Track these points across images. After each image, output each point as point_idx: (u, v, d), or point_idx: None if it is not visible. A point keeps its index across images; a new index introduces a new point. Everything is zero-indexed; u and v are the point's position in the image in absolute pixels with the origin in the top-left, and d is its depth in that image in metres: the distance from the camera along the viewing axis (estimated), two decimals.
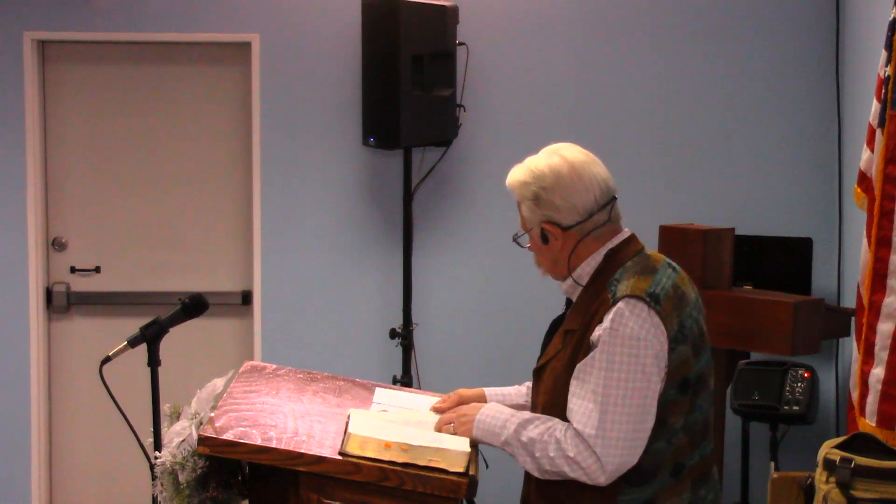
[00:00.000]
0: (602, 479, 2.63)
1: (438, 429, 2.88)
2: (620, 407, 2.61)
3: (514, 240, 2.88)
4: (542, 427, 2.70)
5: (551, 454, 2.65)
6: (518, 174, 2.81)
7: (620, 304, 2.65)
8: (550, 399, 2.75)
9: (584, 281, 2.77)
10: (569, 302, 2.87)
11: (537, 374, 2.85)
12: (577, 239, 2.76)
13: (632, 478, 2.67)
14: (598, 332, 2.66)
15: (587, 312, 2.72)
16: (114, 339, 3.18)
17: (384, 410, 3.08)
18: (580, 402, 2.65)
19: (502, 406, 2.85)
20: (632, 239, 2.81)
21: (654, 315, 2.64)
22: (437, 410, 3.05)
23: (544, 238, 2.78)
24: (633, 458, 2.63)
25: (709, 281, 4.44)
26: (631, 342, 2.62)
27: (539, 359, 2.87)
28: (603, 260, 2.76)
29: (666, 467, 2.69)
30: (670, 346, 2.65)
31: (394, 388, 3.39)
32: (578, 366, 2.67)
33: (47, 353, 5.46)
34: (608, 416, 2.61)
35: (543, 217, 2.76)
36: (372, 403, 3.14)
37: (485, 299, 5.35)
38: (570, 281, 2.81)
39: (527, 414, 2.78)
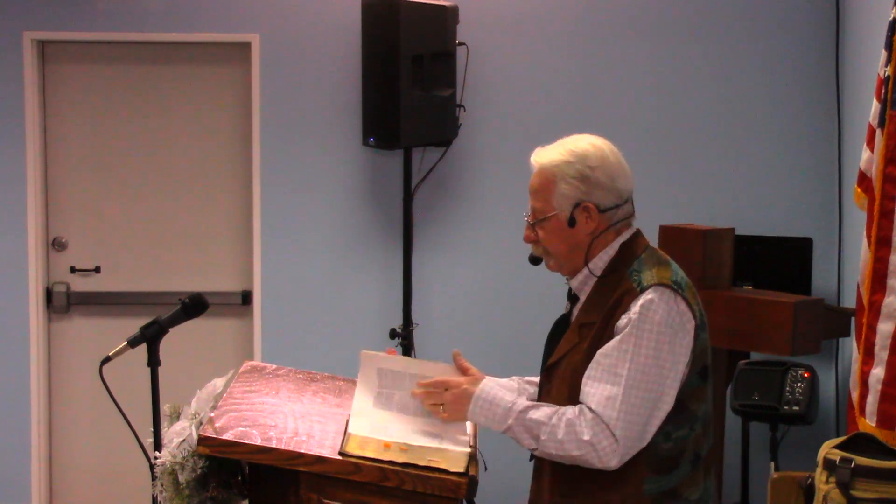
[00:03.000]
0: (615, 463, 2.63)
1: (428, 405, 2.78)
2: (643, 391, 2.62)
3: (531, 223, 2.81)
4: (548, 410, 2.68)
5: (560, 436, 2.63)
6: (555, 155, 2.77)
7: (649, 292, 2.66)
8: (569, 393, 2.71)
9: (599, 272, 2.76)
10: (573, 299, 2.85)
11: (549, 371, 2.82)
12: (606, 225, 2.75)
13: (656, 466, 2.67)
14: (625, 319, 2.65)
15: (606, 304, 2.71)
16: (114, 339, 3.18)
17: (392, 350, 3.01)
18: (599, 385, 2.64)
19: (501, 388, 2.79)
20: (640, 234, 2.83)
21: (682, 302, 2.67)
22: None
23: (571, 221, 2.75)
24: (643, 443, 2.64)
25: (709, 281, 4.44)
26: (660, 328, 2.63)
27: (548, 356, 2.84)
28: (618, 251, 2.77)
29: (688, 456, 2.71)
30: (696, 333, 2.68)
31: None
32: (600, 350, 2.66)
33: (47, 353, 5.46)
34: (630, 399, 2.61)
35: (585, 196, 2.73)
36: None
37: (485, 299, 5.35)
38: (584, 273, 2.78)
39: (524, 402, 2.75)
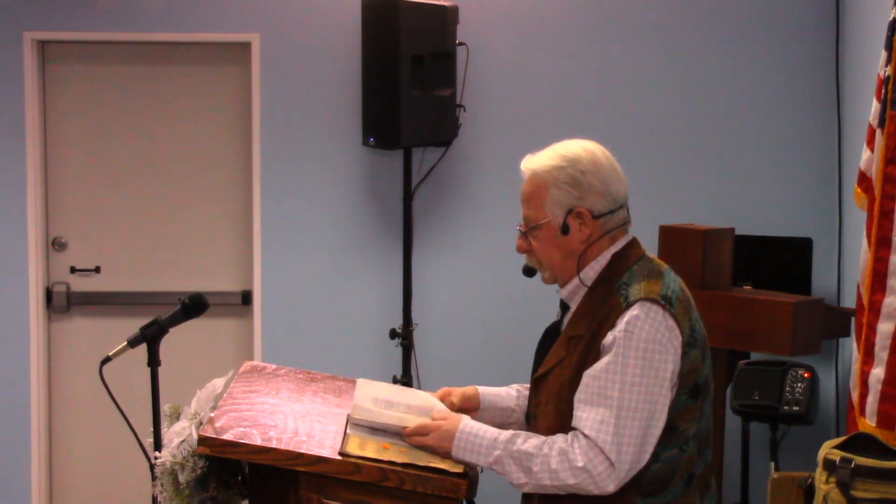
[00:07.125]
0: (612, 487, 2.56)
1: (417, 436, 2.72)
2: (634, 412, 2.55)
3: (523, 231, 2.75)
4: (536, 440, 2.62)
5: (553, 466, 2.57)
6: (545, 160, 2.70)
7: (635, 308, 2.59)
8: (556, 409, 2.66)
9: (590, 282, 2.69)
10: (564, 307, 2.80)
11: (536, 384, 2.76)
12: (601, 231, 2.68)
13: (646, 488, 2.62)
14: (611, 336, 2.59)
15: (594, 317, 2.65)
16: (114, 339, 3.17)
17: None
18: (591, 408, 2.58)
19: (482, 424, 2.72)
20: (634, 243, 2.75)
21: (670, 318, 2.59)
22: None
23: (565, 228, 2.68)
24: (641, 464, 2.58)
25: (709, 281, 4.44)
26: (647, 345, 2.56)
27: (536, 368, 2.78)
28: (609, 261, 2.70)
29: (680, 476, 2.65)
30: (683, 351, 2.60)
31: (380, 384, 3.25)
32: (588, 372, 2.60)
33: (47, 353, 5.46)
34: (622, 420, 2.54)
35: (578, 201, 2.66)
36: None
37: (485, 299, 5.35)
38: (574, 283, 2.72)
39: (510, 431, 2.68)
